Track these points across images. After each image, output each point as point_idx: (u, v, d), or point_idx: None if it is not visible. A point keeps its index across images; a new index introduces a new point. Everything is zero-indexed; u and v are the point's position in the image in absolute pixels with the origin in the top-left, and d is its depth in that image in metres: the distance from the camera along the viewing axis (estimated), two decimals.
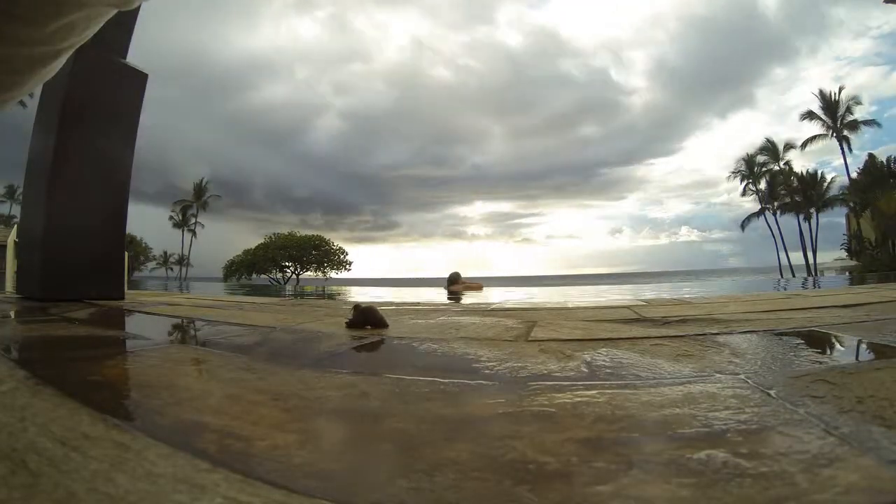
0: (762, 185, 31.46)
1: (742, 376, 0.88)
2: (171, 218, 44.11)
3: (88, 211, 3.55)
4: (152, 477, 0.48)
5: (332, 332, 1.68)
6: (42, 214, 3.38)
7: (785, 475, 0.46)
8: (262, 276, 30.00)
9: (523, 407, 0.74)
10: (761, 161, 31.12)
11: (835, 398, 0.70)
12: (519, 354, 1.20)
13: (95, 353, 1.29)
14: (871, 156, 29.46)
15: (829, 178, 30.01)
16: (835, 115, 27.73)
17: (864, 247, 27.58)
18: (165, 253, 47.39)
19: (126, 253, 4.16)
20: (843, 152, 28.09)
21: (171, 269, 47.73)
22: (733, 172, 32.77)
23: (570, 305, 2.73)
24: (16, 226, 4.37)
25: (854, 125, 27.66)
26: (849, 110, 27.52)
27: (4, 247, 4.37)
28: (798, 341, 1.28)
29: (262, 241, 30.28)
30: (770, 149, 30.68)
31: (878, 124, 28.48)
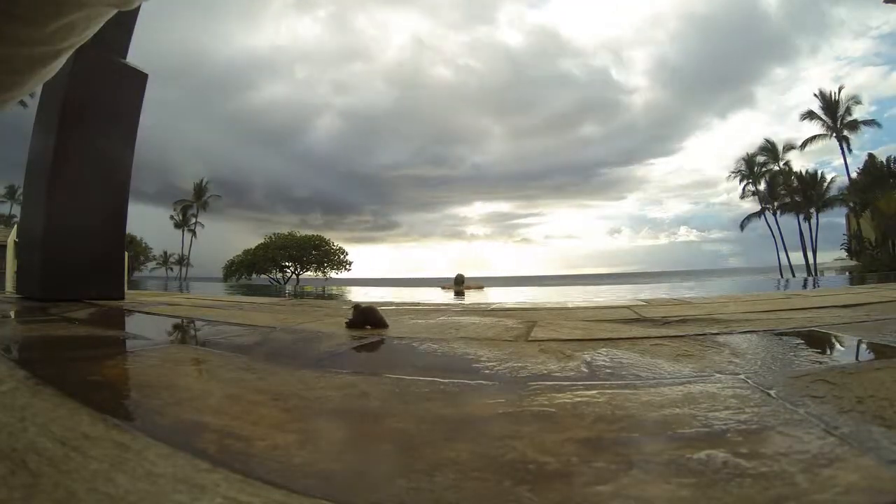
0: (762, 185, 31.49)
1: (742, 376, 0.88)
2: (171, 217, 44.15)
3: (88, 211, 3.55)
4: (152, 477, 0.48)
5: (332, 332, 1.68)
6: (42, 214, 3.38)
7: (785, 475, 0.46)
8: (262, 276, 30.01)
9: (523, 407, 0.74)
10: (761, 161, 31.15)
11: (835, 398, 0.70)
12: (519, 354, 1.20)
13: (95, 353, 1.29)
14: (870, 156, 29.50)
15: (829, 178, 30.07)
16: (835, 115, 27.74)
17: (864, 247, 27.59)
18: (165, 253, 47.44)
19: (126, 253, 4.16)
20: (843, 152, 28.12)
21: (171, 269, 47.78)
22: (733, 172, 32.82)
23: (569, 305, 2.73)
24: (16, 226, 4.37)
25: (854, 125, 27.67)
26: (848, 110, 27.55)
27: (4, 247, 4.37)
28: (798, 341, 1.28)
29: (261, 241, 30.31)
30: (770, 149, 30.69)
31: (878, 124, 28.52)
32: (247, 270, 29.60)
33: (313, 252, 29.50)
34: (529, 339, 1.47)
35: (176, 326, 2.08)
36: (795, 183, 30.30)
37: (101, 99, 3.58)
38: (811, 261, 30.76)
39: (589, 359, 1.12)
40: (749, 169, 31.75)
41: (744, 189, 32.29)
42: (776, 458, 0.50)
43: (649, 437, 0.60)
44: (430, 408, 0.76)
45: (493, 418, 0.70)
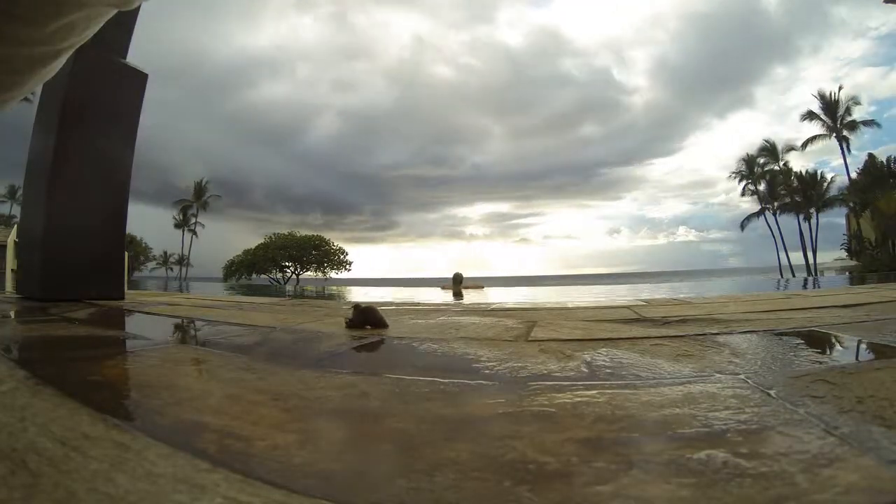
0: (762, 185, 31.50)
1: (742, 376, 0.88)
2: (172, 218, 44.16)
3: (88, 211, 3.55)
4: (152, 477, 0.48)
5: (332, 332, 1.68)
6: (42, 214, 3.38)
7: (785, 475, 0.46)
8: (262, 276, 30.01)
9: (523, 407, 0.74)
10: (761, 161, 31.16)
11: (835, 398, 0.70)
12: (519, 354, 1.20)
13: (95, 353, 1.29)
14: (870, 156, 29.50)
15: (829, 178, 30.08)
16: (834, 115, 27.75)
17: (864, 247, 27.59)
18: (165, 253, 47.44)
19: (126, 253, 4.16)
20: (842, 152, 28.13)
21: (171, 269, 47.78)
22: (733, 173, 32.83)
23: (569, 305, 2.73)
24: (16, 226, 4.37)
25: (853, 125, 27.68)
26: (848, 111, 27.56)
27: (4, 247, 4.37)
28: (798, 341, 1.28)
29: (261, 241, 30.32)
30: (770, 149, 30.70)
31: (878, 125, 28.51)
32: (247, 270, 29.61)
33: (313, 252, 29.51)
34: (529, 339, 1.47)
35: (176, 326, 2.08)
36: (795, 183, 30.30)
37: (101, 99, 3.58)
38: (811, 261, 30.77)
39: (589, 359, 1.12)
40: (749, 169, 31.76)
41: (743, 189, 32.36)
42: (776, 458, 0.50)
43: (649, 437, 0.60)
44: (430, 408, 0.76)
45: (493, 418, 0.70)
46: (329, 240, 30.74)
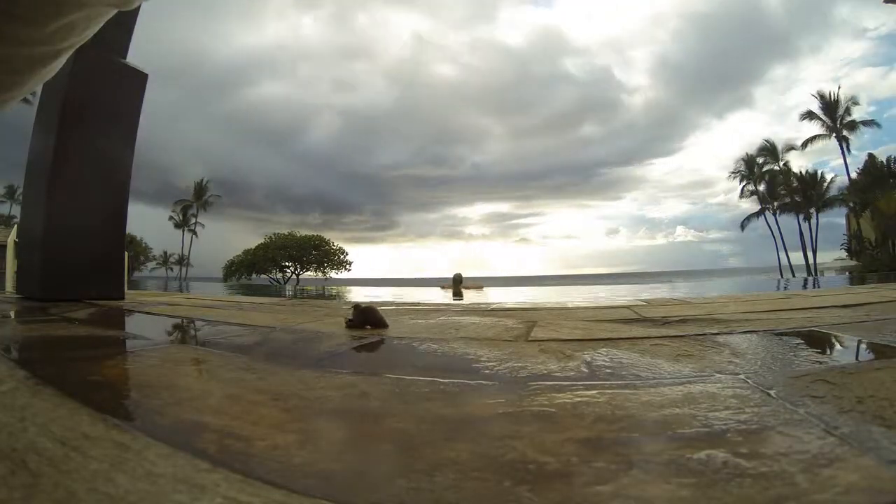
0: (762, 185, 31.50)
1: (742, 376, 0.88)
2: (170, 218, 44.14)
3: (88, 211, 3.55)
4: (152, 477, 0.48)
5: (332, 332, 1.68)
6: (42, 214, 3.38)
7: (785, 475, 0.46)
8: (262, 276, 30.02)
9: (523, 407, 0.74)
10: (761, 162, 31.16)
11: (835, 398, 0.70)
12: (519, 354, 1.20)
13: (95, 353, 1.29)
14: (870, 156, 29.51)
15: (829, 178, 30.09)
16: (834, 115, 27.76)
17: (864, 247, 27.60)
18: (165, 253, 47.45)
19: (126, 253, 4.16)
20: (842, 152, 28.14)
21: (171, 269, 47.79)
22: (733, 173, 32.84)
23: (569, 305, 2.73)
24: (16, 226, 4.37)
25: (853, 125, 27.69)
26: (848, 111, 27.57)
27: (4, 247, 4.37)
28: (798, 341, 1.28)
29: (261, 241, 30.34)
30: (770, 149, 30.71)
31: (878, 125, 28.53)
32: (247, 270, 29.62)
33: (313, 252, 29.53)
34: (529, 339, 1.47)
35: (176, 326, 2.08)
36: (795, 183, 30.31)
37: (101, 99, 3.58)
38: (811, 261, 30.78)
39: (589, 359, 1.12)
40: (749, 169, 31.77)
41: (743, 189, 32.36)
42: (776, 458, 0.50)
43: (649, 437, 0.60)
44: (430, 408, 0.76)
45: (493, 418, 0.70)
46: (329, 240, 30.78)
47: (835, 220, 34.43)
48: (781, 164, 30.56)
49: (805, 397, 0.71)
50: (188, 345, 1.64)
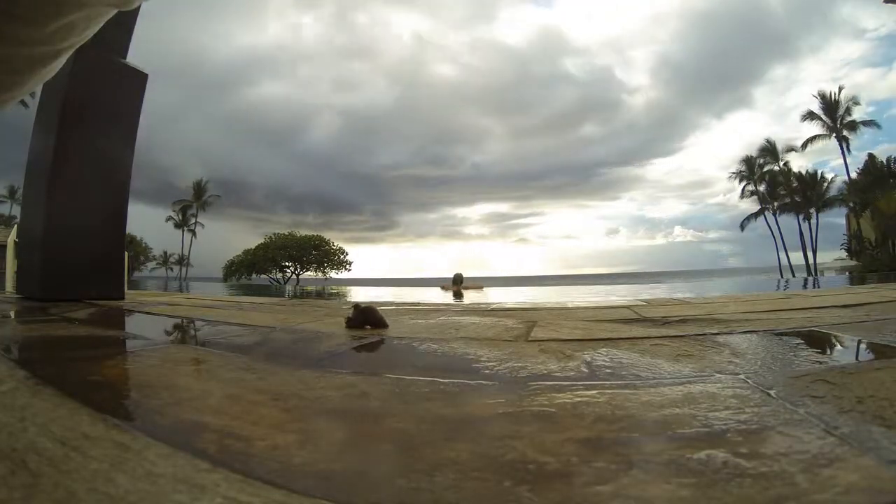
0: (762, 186, 31.50)
1: (742, 376, 0.88)
2: (170, 218, 44.12)
3: (88, 211, 3.55)
4: (152, 477, 0.48)
5: (332, 332, 1.68)
6: (42, 214, 3.38)
7: (785, 475, 0.46)
8: (262, 276, 30.02)
9: (523, 407, 0.74)
10: (761, 162, 31.16)
11: (835, 398, 0.70)
12: (519, 354, 1.20)
13: (95, 353, 1.29)
14: (870, 156, 29.50)
15: (828, 178, 30.09)
16: (834, 115, 27.76)
17: (864, 247, 27.60)
18: (165, 253, 47.44)
19: (126, 253, 4.16)
20: (842, 152, 28.14)
21: (171, 269, 47.79)
22: (734, 173, 32.84)
23: (569, 305, 2.73)
24: (16, 226, 4.37)
25: (853, 125, 27.69)
26: (848, 111, 27.57)
27: (4, 247, 4.37)
28: (798, 341, 1.28)
29: (261, 241, 30.34)
30: (770, 149, 30.71)
31: (878, 125, 28.52)
32: (247, 270, 29.62)
33: (313, 252, 29.53)
34: (529, 339, 1.47)
35: (176, 326, 2.08)
36: (795, 183, 30.31)
37: (101, 99, 3.58)
38: (811, 261, 30.78)
39: (589, 359, 1.12)
40: (749, 169, 31.77)
41: (743, 189, 32.36)
42: (776, 458, 0.50)
43: (649, 437, 0.60)
44: (430, 408, 0.76)
45: (493, 418, 0.70)
46: (329, 240, 30.79)
47: (835, 220, 34.49)
48: (781, 164, 30.59)
49: (805, 397, 0.71)
50: (188, 345, 1.64)
